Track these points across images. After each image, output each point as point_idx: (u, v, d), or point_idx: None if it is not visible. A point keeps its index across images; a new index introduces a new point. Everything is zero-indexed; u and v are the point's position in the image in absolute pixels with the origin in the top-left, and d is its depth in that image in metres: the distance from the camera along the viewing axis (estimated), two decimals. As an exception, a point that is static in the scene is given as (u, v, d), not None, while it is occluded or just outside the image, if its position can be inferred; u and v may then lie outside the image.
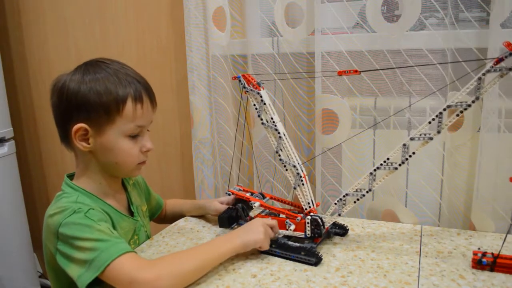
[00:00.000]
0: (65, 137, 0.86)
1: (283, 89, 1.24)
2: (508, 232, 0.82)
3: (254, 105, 0.93)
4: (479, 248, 0.88)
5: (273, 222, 0.92)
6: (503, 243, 0.84)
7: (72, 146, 0.86)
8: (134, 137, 0.86)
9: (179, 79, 1.48)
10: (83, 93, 0.82)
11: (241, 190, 1.04)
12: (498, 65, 0.71)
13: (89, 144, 0.84)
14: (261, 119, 0.92)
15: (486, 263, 0.81)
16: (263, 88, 0.92)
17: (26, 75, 1.77)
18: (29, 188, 1.90)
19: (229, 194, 1.03)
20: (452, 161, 1.10)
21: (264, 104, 0.91)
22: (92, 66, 0.85)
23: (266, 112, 0.92)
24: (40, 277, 1.83)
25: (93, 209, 0.81)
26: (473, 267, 0.83)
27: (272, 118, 0.91)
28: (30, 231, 1.74)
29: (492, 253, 0.82)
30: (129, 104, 0.83)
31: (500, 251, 0.82)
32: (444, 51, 1.04)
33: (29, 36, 1.71)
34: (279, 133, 0.91)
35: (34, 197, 1.93)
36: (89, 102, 0.81)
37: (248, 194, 1.02)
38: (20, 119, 1.83)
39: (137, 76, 0.87)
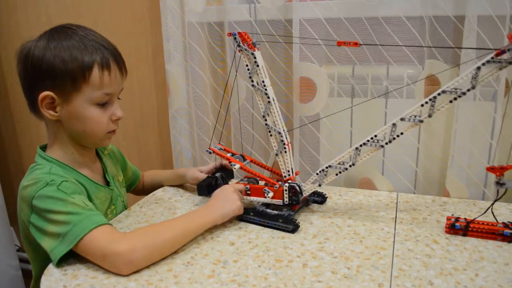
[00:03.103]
0: (33, 106, 0.84)
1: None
2: (495, 201, 0.82)
3: (247, 65, 0.90)
4: (452, 214, 0.90)
5: (241, 186, 0.94)
6: (488, 209, 0.84)
7: (41, 115, 0.84)
8: (102, 105, 0.84)
9: (155, 47, 1.44)
10: (47, 60, 0.79)
11: (222, 149, 1.02)
12: (499, 57, 0.70)
13: (56, 112, 0.82)
14: (252, 81, 0.90)
15: (459, 227, 0.83)
16: (258, 49, 0.89)
17: (-5, 44, 1.71)
18: (3, 161, 1.85)
19: (210, 152, 1.00)
20: (428, 129, 1.11)
21: (257, 66, 0.89)
22: (58, 32, 0.82)
23: (257, 75, 0.89)
24: (18, 251, 1.81)
25: (66, 181, 0.79)
26: (446, 232, 0.84)
27: (263, 81, 0.89)
28: (6, 205, 1.70)
29: (465, 218, 0.84)
30: (96, 71, 0.80)
31: (478, 217, 0.83)
32: (422, 19, 1.04)
33: (-3, 2, 1.64)
34: (268, 97, 0.89)
35: (9, 171, 1.89)
36: (54, 69, 0.79)
37: (229, 155, 1.00)
38: (-10, 90, 1.77)
39: (105, 43, 0.84)
